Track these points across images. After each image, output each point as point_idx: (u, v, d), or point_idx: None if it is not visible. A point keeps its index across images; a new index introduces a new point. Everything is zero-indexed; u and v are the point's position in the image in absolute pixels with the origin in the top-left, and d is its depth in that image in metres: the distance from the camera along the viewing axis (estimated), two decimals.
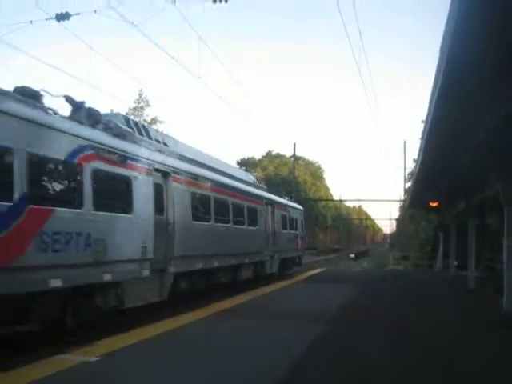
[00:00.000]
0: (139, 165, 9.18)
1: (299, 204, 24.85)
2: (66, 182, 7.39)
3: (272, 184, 56.42)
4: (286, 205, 20.95)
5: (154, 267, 9.45)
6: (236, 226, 14.22)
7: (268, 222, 17.52)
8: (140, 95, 49.61)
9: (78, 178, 7.51)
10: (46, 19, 11.18)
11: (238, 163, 72.36)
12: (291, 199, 24.82)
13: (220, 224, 12.95)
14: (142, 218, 9.10)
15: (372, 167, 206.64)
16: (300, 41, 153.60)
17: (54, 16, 10.74)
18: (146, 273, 9.22)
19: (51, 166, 7.09)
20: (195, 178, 11.76)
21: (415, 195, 23.43)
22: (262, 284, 14.93)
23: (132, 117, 50.88)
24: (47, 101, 7.91)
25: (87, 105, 8.80)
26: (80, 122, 8.07)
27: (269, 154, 75.57)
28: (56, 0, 11.73)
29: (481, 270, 18.46)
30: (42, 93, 7.78)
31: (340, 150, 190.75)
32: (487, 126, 8.44)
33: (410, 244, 44.94)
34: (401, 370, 5.62)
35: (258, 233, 16.45)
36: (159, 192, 9.85)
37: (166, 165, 10.27)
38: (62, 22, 10.58)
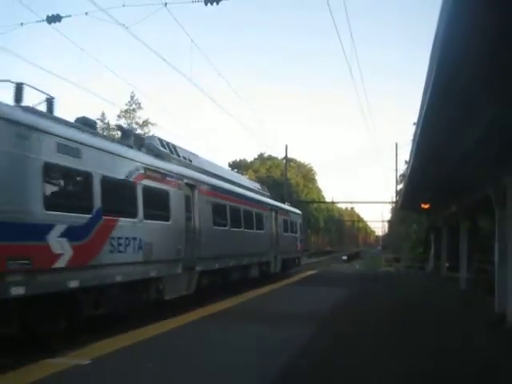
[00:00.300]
0: (174, 180, 10.98)
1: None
2: (126, 197, 9.13)
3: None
4: (287, 210, 23.23)
5: (184, 266, 11.21)
6: (246, 230, 16.10)
7: (272, 226, 19.56)
8: (132, 97, 50.93)
9: (133, 193, 9.27)
10: (37, 21, 11.38)
11: (230, 165, 73.94)
12: (290, 203, 27.01)
13: (234, 228, 14.81)
14: (176, 224, 10.85)
15: (364, 169, 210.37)
16: (291, 37, 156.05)
17: (45, 18, 10.92)
18: (179, 270, 10.98)
19: (116, 184, 8.80)
20: (214, 188, 13.63)
21: (407, 197, 23.88)
22: (252, 287, 15.37)
23: (124, 119, 52.30)
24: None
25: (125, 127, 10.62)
26: (130, 147, 9.85)
27: (261, 156, 77.45)
28: (47, 2, 12.46)
29: (472, 271, 18.89)
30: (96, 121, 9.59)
31: (332, 152, 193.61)
32: (478, 130, 8.63)
33: (401, 246, 46.36)
34: (390, 368, 5.91)
35: (264, 236, 18.40)
36: (188, 202, 11.61)
37: (192, 178, 12.07)
38: (53, 24, 10.82)
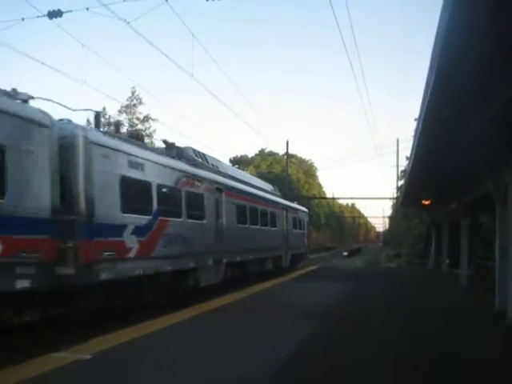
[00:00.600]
0: (207, 185, 13.27)
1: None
2: (174, 200, 11.35)
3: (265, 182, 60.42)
4: (296, 209, 25.81)
5: (214, 258, 13.50)
6: (262, 228, 18.46)
7: (283, 223, 21.97)
8: (133, 93, 52.20)
9: (179, 197, 11.52)
10: (38, 16, 11.63)
11: (231, 161, 75.84)
12: (292, 200, 29.32)
13: (253, 226, 17.14)
14: (209, 223, 13.13)
15: (365, 165, 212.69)
16: (292, 32, 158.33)
17: (46, 13, 11.17)
18: (211, 262, 13.28)
19: (167, 191, 11.03)
20: (237, 191, 15.92)
21: (408, 193, 24.26)
22: (254, 282, 16.02)
23: (124, 115, 53.95)
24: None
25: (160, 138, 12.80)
26: (173, 157, 12.08)
27: (262, 152, 79.52)
28: None
29: (473, 267, 19.09)
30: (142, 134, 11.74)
31: (333, 148, 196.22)
32: (477, 126, 8.88)
33: (402, 242, 46.54)
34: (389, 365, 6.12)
35: (277, 233, 20.80)
36: (217, 203, 13.89)
37: (220, 183, 14.34)
38: (54, 19, 11.08)
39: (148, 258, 10.07)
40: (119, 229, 9.11)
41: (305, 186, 79.99)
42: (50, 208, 7.42)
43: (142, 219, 9.89)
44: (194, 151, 13.89)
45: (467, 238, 18.28)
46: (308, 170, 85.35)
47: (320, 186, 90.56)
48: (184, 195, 11.75)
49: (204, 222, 12.88)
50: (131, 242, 9.44)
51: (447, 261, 24.11)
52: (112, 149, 9.07)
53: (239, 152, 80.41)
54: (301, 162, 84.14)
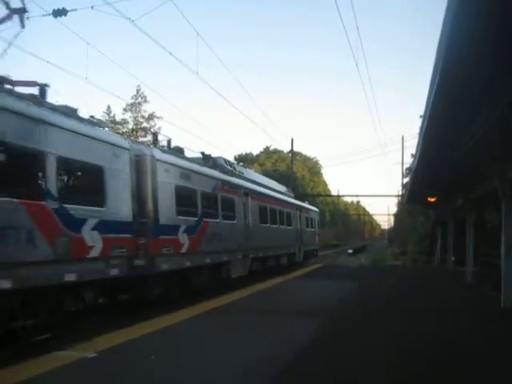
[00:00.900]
0: (236, 190, 15.76)
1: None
2: (212, 204, 13.80)
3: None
4: (308, 209, 28.62)
5: (242, 254, 15.98)
6: (280, 226, 21.00)
7: (297, 222, 24.63)
8: (138, 91, 53.95)
9: (216, 201, 13.96)
10: (43, 15, 11.72)
11: (236, 159, 78.34)
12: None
13: (272, 225, 19.65)
14: (238, 223, 15.61)
15: (370, 162, 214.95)
16: (297, 32, 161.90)
17: (51, 12, 11.26)
18: (240, 256, 15.74)
19: (208, 196, 13.46)
20: (259, 194, 18.45)
21: (413, 190, 24.86)
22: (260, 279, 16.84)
23: (130, 113, 55.80)
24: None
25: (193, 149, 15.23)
26: (209, 167, 14.49)
27: (266, 149, 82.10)
28: None
29: (478, 265, 19.60)
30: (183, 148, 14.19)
31: (338, 146, 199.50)
32: (482, 125, 9.19)
33: (407, 239, 48.73)
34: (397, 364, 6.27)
35: (292, 231, 23.43)
36: (244, 206, 16.35)
37: (246, 188, 16.83)
38: (58, 17, 11.23)
39: (194, 252, 12.49)
40: (175, 229, 11.53)
41: (310, 183, 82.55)
42: (131, 213, 9.82)
43: (191, 221, 12.31)
44: (225, 160, 16.34)
45: (473, 236, 18.69)
46: (313, 168, 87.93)
47: (325, 184, 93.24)
48: (220, 199, 14.24)
49: (235, 222, 15.38)
50: (183, 239, 11.87)
51: (453, 258, 24.75)
52: (169, 163, 11.50)
53: (244, 150, 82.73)
54: (306, 159, 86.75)
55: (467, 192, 18.11)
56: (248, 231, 16.48)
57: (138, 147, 10.61)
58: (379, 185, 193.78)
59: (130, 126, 54.04)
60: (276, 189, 22.84)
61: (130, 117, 54.79)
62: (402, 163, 43.35)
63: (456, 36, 6.04)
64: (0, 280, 6.71)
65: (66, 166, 8.08)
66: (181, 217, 11.81)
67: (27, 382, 5.15)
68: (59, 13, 11.21)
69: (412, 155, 33.52)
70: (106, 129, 10.21)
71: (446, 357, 6.69)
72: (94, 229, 8.60)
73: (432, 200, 23.52)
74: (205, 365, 6.01)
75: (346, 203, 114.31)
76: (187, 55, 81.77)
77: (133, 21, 12.81)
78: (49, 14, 11.45)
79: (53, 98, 8.82)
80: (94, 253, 8.62)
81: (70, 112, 8.74)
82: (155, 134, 13.94)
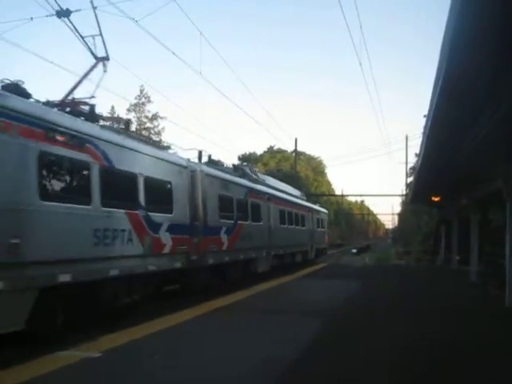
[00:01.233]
0: (262, 196, 18.78)
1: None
2: (244, 208, 16.78)
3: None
4: (318, 210, 32.00)
5: (266, 252, 18.97)
6: (295, 227, 24.16)
7: (310, 223, 27.91)
8: (141, 91, 56.03)
9: (247, 206, 16.94)
10: (47, 16, 12.04)
11: (240, 158, 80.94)
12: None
13: (289, 226, 22.74)
14: (264, 224, 18.63)
15: (374, 162, 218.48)
16: (299, 32, 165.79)
17: (54, 12, 11.48)
18: (264, 254, 18.74)
19: (241, 202, 16.43)
20: (279, 199, 21.56)
21: (417, 190, 25.63)
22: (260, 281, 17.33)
23: (133, 113, 58.12)
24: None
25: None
26: (239, 177, 17.45)
27: (270, 149, 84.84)
28: None
29: (483, 264, 20.00)
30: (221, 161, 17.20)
31: (341, 145, 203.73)
32: (485, 125, 9.43)
33: (412, 239, 49.73)
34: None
35: (305, 231, 26.70)
36: (267, 209, 19.37)
37: (269, 193, 19.88)
38: (62, 18, 11.41)
39: (231, 250, 15.46)
40: (218, 230, 14.50)
41: (313, 183, 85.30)
42: (189, 217, 12.76)
43: (229, 223, 15.28)
44: (250, 169, 19.38)
45: (477, 235, 19.24)
46: (317, 168, 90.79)
47: (329, 184, 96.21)
48: (249, 204, 17.26)
49: (261, 223, 18.40)
50: (224, 239, 14.84)
51: (457, 257, 25.65)
52: (213, 176, 14.50)
53: (248, 149, 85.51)
54: (309, 159, 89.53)
55: (471, 191, 18.54)
56: (270, 232, 19.52)
57: (191, 164, 13.54)
58: (383, 184, 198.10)
59: (134, 126, 56.57)
60: (291, 193, 26.10)
61: (134, 117, 57.08)
62: (406, 163, 44.58)
63: (459, 37, 6.28)
64: (111, 269, 9.61)
65: (149, 183, 10.97)
66: (222, 220, 14.78)
67: (29, 382, 5.36)
68: (63, 13, 11.49)
69: (416, 154, 34.19)
70: (171, 151, 13.18)
71: (449, 357, 6.94)
72: (166, 231, 11.52)
73: (436, 199, 24.13)
74: (209, 364, 6.32)
75: (349, 203, 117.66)
76: (191, 55, 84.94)
77: (136, 21, 13.47)
78: (52, 15, 11.75)
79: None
80: (166, 249, 11.55)
81: (146, 139, 11.68)
82: (200, 152, 16.10)
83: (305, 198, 30.03)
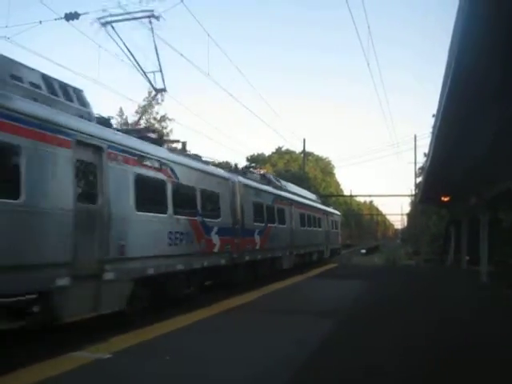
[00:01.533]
0: (285, 201, 21.70)
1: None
2: (272, 213, 19.67)
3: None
4: (332, 213, 35.23)
5: (289, 251, 21.84)
6: (313, 229, 27.19)
7: (325, 225, 30.99)
8: (149, 93, 58.54)
9: (274, 210, 19.83)
10: (55, 19, 12.45)
11: (248, 159, 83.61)
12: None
13: (307, 228, 25.65)
14: (287, 227, 21.54)
15: (383, 162, 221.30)
16: (307, 33, 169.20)
17: (63, 16, 12.03)
18: (288, 253, 21.61)
19: (269, 207, 19.35)
20: (299, 203, 24.51)
21: (426, 190, 26.27)
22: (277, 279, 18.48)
23: (141, 115, 60.58)
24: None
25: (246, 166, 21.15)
26: (266, 184, 20.32)
27: (278, 150, 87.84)
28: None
29: (493, 264, 20.59)
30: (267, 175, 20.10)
31: (350, 146, 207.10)
32: (496, 125, 9.62)
33: (421, 239, 50.93)
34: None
35: (321, 232, 29.79)
36: (290, 213, 22.28)
37: (291, 199, 22.82)
38: (71, 21, 11.90)
39: (262, 249, 18.30)
40: (252, 232, 17.35)
41: (322, 183, 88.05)
42: (231, 221, 15.59)
43: (260, 226, 18.13)
44: (274, 177, 22.24)
45: (487, 235, 19.83)
46: (325, 168, 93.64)
47: (337, 184, 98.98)
48: (276, 209, 20.10)
49: (285, 226, 21.30)
50: (257, 239, 17.69)
51: (467, 257, 26.52)
52: (248, 186, 17.37)
53: (256, 150, 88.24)
54: (318, 159, 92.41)
55: (481, 191, 19.07)
56: (292, 233, 22.45)
57: (231, 175, 16.37)
58: (392, 184, 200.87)
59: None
60: (309, 197, 29.22)
61: (142, 119, 59.65)
62: (415, 162, 45.75)
63: (467, 38, 6.56)
64: (178, 264, 12.40)
65: (204, 194, 13.83)
66: (255, 223, 17.64)
67: (42, 382, 5.56)
68: (71, 16, 11.99)
69: (425, 154, 35.38)
70: (218, 168, 16.16)
71: (456, 357, 7.09)
72: (216, 233, 14.35)
73: (445, 199, 25.00)
74: (220, 365, 6.50)
75: (358, 203, 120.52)
76: (198, 56, 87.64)
77: (144, 23, 13.57)
78: (61, 18, 12.25)
79: None
80: (216, 248, 14.40)
81: (198, 157, 14.56)
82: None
83: (320, 202, 32.98)
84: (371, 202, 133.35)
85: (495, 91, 8.48)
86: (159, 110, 49.95)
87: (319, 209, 30.94)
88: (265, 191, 19.38)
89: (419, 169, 44.70)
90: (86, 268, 8.97)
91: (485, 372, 6.50)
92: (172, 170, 12.24)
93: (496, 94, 8.61)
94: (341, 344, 8.02)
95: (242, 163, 28.87)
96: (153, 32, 13.05)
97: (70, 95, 9.88)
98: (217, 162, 19.20)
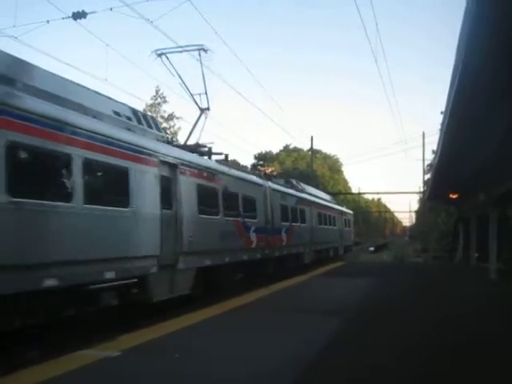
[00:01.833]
0: (306, 202, 24.94)
1: None
2: (296, 213, 22.88)
3: (290, 178, 69.05)
4: (346, 212, 38.52)
5: (309, 247, 25.03)
6: (329, 227, 30.49)
7: (339, 223, 34.28)
8: (157, 92, 56.56)
9: (297, 211, 23.05)
10: (63, 18, 12.70)
11: (256, 157, 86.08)
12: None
13: (324, 226, 28.89)
14: (308, 225, 24.76)
15: (391, 159, 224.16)
16: (315, 31, 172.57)
17: (70, 15, 12.29)
18: (308, 249, 24.80)
19: (293, 208, 22.66)
20: (317, 204, 27.76)
21: (434, 187, 27.17)
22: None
23: (149, 113, 62.96)
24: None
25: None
26: (290, 187, 23.51)
27: (286, 147, 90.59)
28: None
29: (502, 261, 20.86)
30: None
31: (358, 143, 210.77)
32: (505, 121, 9.72)
33: (429, 236, 51.11)
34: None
35: (336, 230, 33.22)
36: (310, 213, 25.47)
37: (310, 200, 25.96)
38: (78, 20, 12.12)
39: (288, 246, 21.45)
40: (280, 230, 20.50)
41: (330, 181, 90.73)
42: (265, 221, 18.70)
43: (286, 225, 21.30)
44: (295, 181, 25.46)
45: (496, 232, 20.24)
46: (333, 166, 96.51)
47: (345, 182, 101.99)
48: (298, 210, 23.30)
49: (306, 225, 24.43)
50: (284, 237, 20.86)
51: (476, 255, 27.12)
52: (277, 190, 20.53)
53: (264, 148, 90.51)
54: (326, 157, 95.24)
55: (490, 188, 19.47)
56: (312, 231, 25.60)
57: (263, 182, 19.49)
58: (400, 182, 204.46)
59: None
60: (325, 198, 32.52)
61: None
62: (423, 160, 46.62)
63: (475, 40, 6.69)
64: (226, 257, 15.47)
65: (245, 198, 16.96)
66: (283, 223, 20.79)
67: (50, 380, 5.66)
68: (79, 15, 12.25)
69: (433, 151, 36.97)
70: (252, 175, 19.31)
71: (466, 356, 7.17)
72: (253, 232, 17.47)
73: (454, 196, 25.71)
74: (227, 364, 6.64)
75: (366, 201, 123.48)
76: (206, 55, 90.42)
77: (151, 22, 14.58)
78: (68, 17, 12.55)
79: None
80: (253, 245, 17.53)
81: (240, 167, 17.73)
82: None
83: (335, 202, 36.21)
84: (379, 199, 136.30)
85: (505, 87, 8.65)
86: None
87: (334, 208, 34.45)
88: (289, 194, 22.54)
89: (427, 166, 45.90)
90: (166, 259, 12.03)
91: (495, 370, 6.59)
92: (221, 179, 15.34)
93: (506, 90, 8.79)
94: (348, 343, 8.19)
95: (250, 161, 31.86)
96: (201, 63, 16.03)
97: (149, 123, 12.95)
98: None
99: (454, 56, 8.62)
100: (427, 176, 44.25)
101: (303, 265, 24.16)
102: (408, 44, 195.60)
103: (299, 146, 79.23)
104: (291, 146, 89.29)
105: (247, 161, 77.82)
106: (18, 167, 8.02)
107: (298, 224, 23.37)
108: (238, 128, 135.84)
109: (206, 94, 16.84)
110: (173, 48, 16.02)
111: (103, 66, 79.92)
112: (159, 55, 15.85)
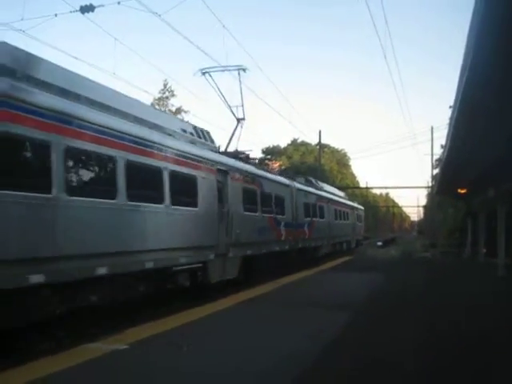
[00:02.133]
0: (324, 199, 28.57)
1: None
2: (315, 209, 26.48)
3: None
4: (358, 208, 42.09)
5: (327, 241, 28.63)
6: (343, 222, 34.14)
7: (352, 218, 37.82)
8: (165, 85, 55.15)
9: (316, 207, 26.60)
10: (71, 12, 12.95)
11: (264, 152, 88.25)
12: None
13: (339, 221, 32.49)
14: (326, 220, 28.57)
15: (399, 154, 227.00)
16: (324, 26, 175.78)
17: (78, 8, 12.55)
18: (326, 243, 28.51)
19: (314, 205, 26.29)
20: (334, 201, 31.37)
21: (443, 182, 28.28)
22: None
23: (157, 107, 65.86)
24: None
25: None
26: (309, 185, 27.01)
27: (294, 142, 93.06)
28: None
29: (510, 257, 21.13)
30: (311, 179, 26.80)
31: (366, 138, 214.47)
32: None
33: (437, 231, 51.98)
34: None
35: (349, 225, 36.78)
36: (328, 209, 29.14)
37: (328, 198, 29.54)
38: (86, 14, 12.33)
39: (309, 239, 24.91)
40: (303, 225, 23.98)
41: (338, 176, 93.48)
42: (291, 216, 22.15)
43: (308, 220, 24.79)
44: (314, 180, 28.82)
45: (504, 228, 20.61)
46: (341, 160, 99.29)
47: (353, 176, 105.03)
48: (318, 206, 26.78)
49: (324, 220, 27.91)
50: (306, 231, 24.34)
51: (484, 250, 27.72)
52: (301, 189, 23.97)
53: (271, 142, 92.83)
54: (334, 151, 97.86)
55: (499, 183, 19.78)
56: (329, 226, 29.11)
57: (290, 182, 22.91)
58: (409, 176, 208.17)
59: None
60: (339, 194, 36.04)
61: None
62: (432, 154, 47.68)
63: (483, 39, 6.98)
64: (263, 248, 18.86)
65: (276, 197, 20.41)
66: (305, 218, 24.26)
67: (59, 373, 5.96)
68: (86, 9, 12.49)
69: (442, 146, 37.14)
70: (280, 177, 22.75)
71: (471, 352, 7.35)
72: (282, 226, 20.90)
73: (462, 191, 26.65)
74: (233, 359, 6.89)
75: (374, 195, 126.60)
76: (215, 49, 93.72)
77: (159, 15, 14.80)
78: (76, 11, 12.85)
79: None
80: (283, 238, 20.96)
81: (269, 170, 21.16)
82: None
83: (347, 198, 39.70)
84: (387, 194, 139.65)
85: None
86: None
87: (347, 205, 38.02)
88: (310, 192, 26.01)
89: (436, 160, 46.89)
90: (221, 249, 15.41)
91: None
92: (259, 181, 18.75)
93: None
94: (355, 338, 8.47)
95: (258, 155, 35.25)
96: (240, 81, 19.35)
97: (205, 136, 16.28)
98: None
99: (461, 55, 9.19)
100: (436, 171, 45.54)
101: (318, 257, 27.58)
102: (416, 42, 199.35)
103: (307, 140, 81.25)
104: (299, 141, 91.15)
105: (254, 154, 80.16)
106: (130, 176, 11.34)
107: (318, 219, 26.82)
108: (246, 123, 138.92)
109: (242, 106, 20.07)
110: (216, 67, 19.29)
111: (111, 59, 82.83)
112: (203, 73, 19.15)
